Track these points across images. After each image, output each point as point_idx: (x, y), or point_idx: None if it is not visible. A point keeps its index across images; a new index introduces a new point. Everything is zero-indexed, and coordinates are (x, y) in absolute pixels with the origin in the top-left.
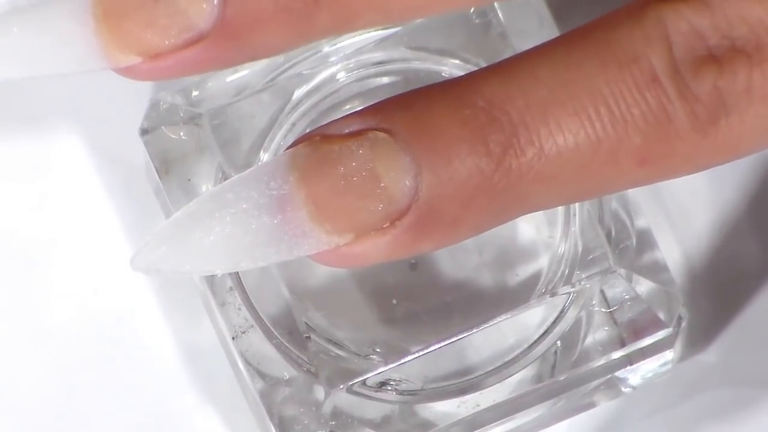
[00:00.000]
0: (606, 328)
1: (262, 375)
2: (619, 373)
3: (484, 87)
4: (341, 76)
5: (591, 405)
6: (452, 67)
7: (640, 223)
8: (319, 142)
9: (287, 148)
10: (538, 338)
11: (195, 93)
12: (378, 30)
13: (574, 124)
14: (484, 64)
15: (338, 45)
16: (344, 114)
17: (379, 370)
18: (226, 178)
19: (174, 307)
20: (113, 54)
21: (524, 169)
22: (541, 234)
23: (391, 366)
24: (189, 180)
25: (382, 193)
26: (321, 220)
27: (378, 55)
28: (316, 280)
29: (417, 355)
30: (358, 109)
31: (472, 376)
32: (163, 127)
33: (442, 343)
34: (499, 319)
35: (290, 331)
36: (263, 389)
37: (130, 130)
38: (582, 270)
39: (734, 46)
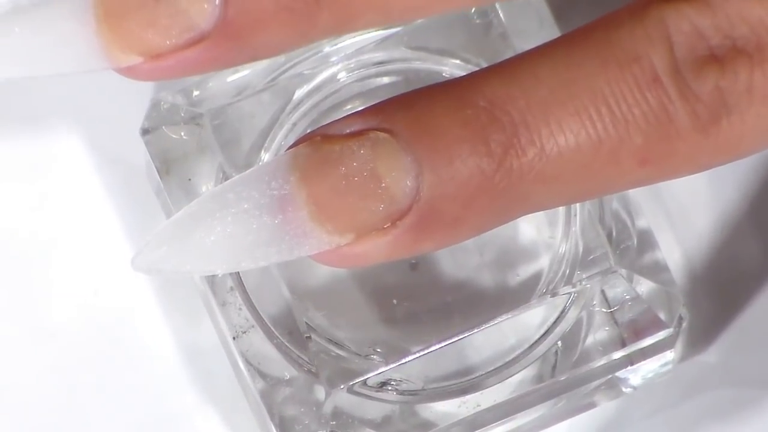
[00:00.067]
0: (607, 329)
1: (262, 375)
2: (619, 374)
3: (485, 87)
4: (342, 76)
5: (592, 405)
6: (453, 67)
7: (641, 223)
8: (320, 142)
9: (288, 148)
10: (539, 338)
11: (196, 93)
12: (379, 30)
13: (575, 124)
14: (484, 65)
15: (339, 45)
16: (345, 114)
17: (380, 370)
18: (226, 178)
19: (174, 307)
20: (114, 54)
21: (525, 169)
22: (541, 234)
23: (391, 366)
24: (190, 180)
25: (384, 193)
26: (322, 220)
27: (379, 55)
28: (317, 280)
29: (418, 355)
30: (359, 109)
31: (473, 376)
32: (163, 127)
33: (443, 343)
34: (499, 319)
35: (291, 331)
36: (264, 389)
37: (131, 130)
38: (583, 270)
39: (735, 46)
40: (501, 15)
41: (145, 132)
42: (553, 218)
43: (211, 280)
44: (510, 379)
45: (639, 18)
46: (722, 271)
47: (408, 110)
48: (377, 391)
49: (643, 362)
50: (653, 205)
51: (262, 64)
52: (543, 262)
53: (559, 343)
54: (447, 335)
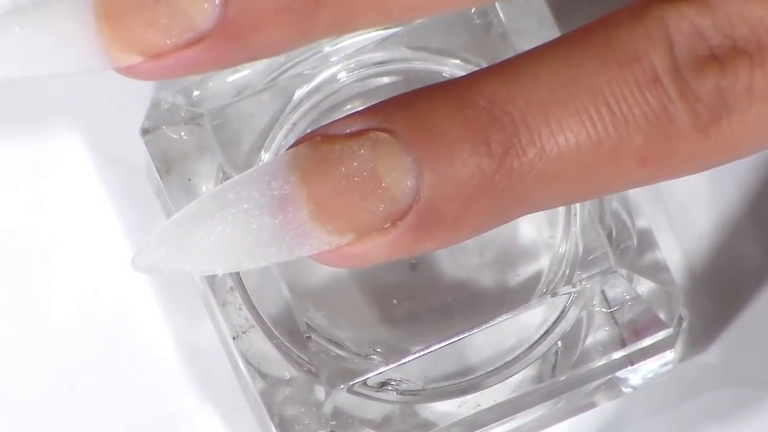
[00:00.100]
0: (607, 329)
1: (262, 375)
2: (619, 374)
3: (485, 87)
4: (342, 76)
5: (592, 405)
6: (453, 68)
7: (641, 223)
8: (321, 142)
9: (288, 148)
10: (539, 338)
11: (196, 93)
12: (379, 30)
13: (576, 124)
14: (484, 65)
15: (339, 45)
16: (345, 114)
17: (380, 370)
18: (226, 178)
19: (174, 307)
20: (114, 53)
21: (525, 169)
22: (541, 234)
23: (391, 366)
24: (190, 180)
25: (384, 193)
26: (322, 220)
27: (379, 55)
28: (317, 280)
29: (418, 355)
30: (359, 109)
31: (473, 376)
32: (164, 127)
33: (443, 343)
34: (499, 319)
35: (291, 331)
36: (264, 389)
37: (131, 130)
38: (583, 270)
39: (736, 46)
40: (501, 15)
41: (145, 132)
42: (553, 218)
43: (211, 280)
44: (510, 379)
45: (639, 18)
46: (722, 271)
47: (408, 110)
48: (377, 391)
49: (643, 362)
50: (653, 205)
51: (262, 64)
52: (543, 262)
53: (559, 343)
54: (447, 335)
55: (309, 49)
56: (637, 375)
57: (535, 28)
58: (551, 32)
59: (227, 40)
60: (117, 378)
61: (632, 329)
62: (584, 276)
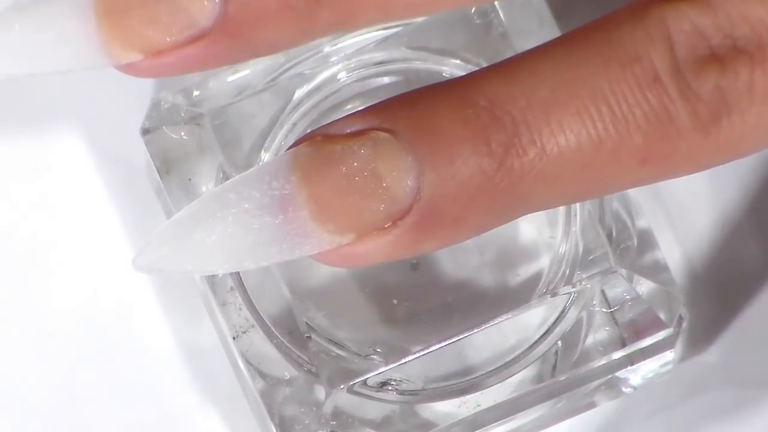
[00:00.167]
0: (607, 329)
1: (262, 375)
2: (619, 374)
3: (486, 86)
4: (342, 76)
5: (592, 405)
6: (453, 67)
7: (641, 223)
8: (321, 142)
9: (289, 148)
10: (539, 338)
11: (196, 93)
12: (379, 30)
13: (576, 124)
14: (485, 64)
15: (339, 45)
16: (346, 114)
17: (380, 370)
18: (226, 178)
19: (174, 307)
20: (115, 51)
21: (526, 169)
22: (542, 234)
23: (391, 366)
24: (190, 180)
25: (384, 193)
26: (323, 219)
27: (379, 55)
28: (317, 280)
29: (418, 355)
30: (360, 108)
31: (473, 376)
32: (164, 127)
33: (443, 343)
34: (499, 319)
35: (291, 331)
36: (264, 389)
37: (131, 130)
38: (583, 270)
39: (736, 45)
40: (501, 15)
41: (145, 132)
42: (553, 218)
43: (212, 280)
44: (510, 379)
45: (640, 18)
46: (722, 270)
47: (409, 110)
48: (377, 391)
49: (643, 362)
50: (653, 205)
51: (262, 64)
52: (543, 262)
53: (559, 343)
54: (447, 335)
55: (309, 49)
56: (637, 375)
57: (536, 27)
58: (551, 32)
59: (227, 37)
60: (117, 378)
61: (632, 329)
62: (584, 276)
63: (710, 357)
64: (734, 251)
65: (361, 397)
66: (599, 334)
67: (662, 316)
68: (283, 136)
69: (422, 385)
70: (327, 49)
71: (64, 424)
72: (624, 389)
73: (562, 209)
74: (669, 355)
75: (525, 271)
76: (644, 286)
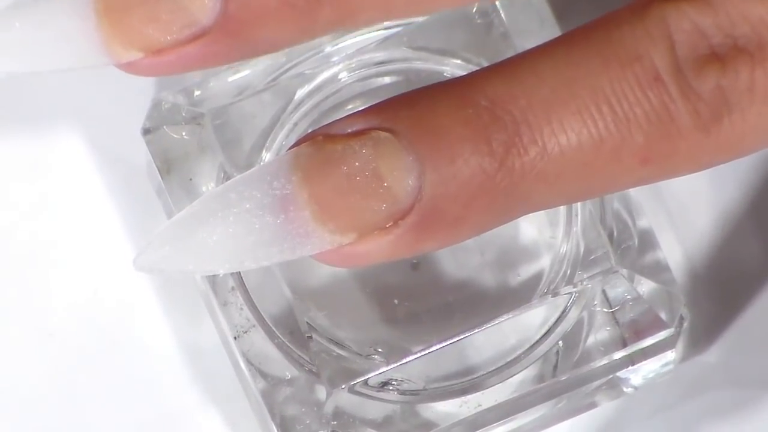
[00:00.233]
0: (608, 329)
1: (263, 375)
2: (620, 374)
3: (486, 86)
4: (343, 75)
5: (592, 405)
6: (454, 67)
7: (642, 223)
8: (322, 142)
9: (290, 148)
10: (540, 338)
11: (197, 93)
12: (380, 30)
13: (577, 123)
14: (485, 64)
15: (340, 45)
16: (346, 114)
17: (381, 370)
18: (227, 178)
19: (175, 307)
20: (115, 49)
21: (527, 168)
22: (543, 234)
23: (392, 366)
24: (191, 180)
25: (385, 192)
26: (324, 219)
27: (380, 55)
28: (318, 280)
29: (419, 355)
30: (361, 108)
31: (474, 376)
32: (165, 127)
33: (444, 343)
34: (500, 319)
35: (292, 331)
36: (265, 389)
37: (132, 130)
38: (584, 270)
39: (736, 44)
40: (502, 14)
41: (146, 132)
42: (554, 218)
43: (213, 280)
44: (511, 379)
45: (640, 17)
46: (723, 270)
47: (410, 110)
48: (378, 391)
49: (644, 362)
50: (654, 204)
51: (263, 64)
52: (544, 262)
53: (560, 343)
54: (448, 335)
55: (310, 49)
56: (638, 375)
57: (536, 27)
58: (552, 32)
59: (228, 35)
60: (117, 378)
61: (633, 329)
62: (585, 276)
63: (711, 357)
64: (735, 251)
65: (362, 397)
66: (600, 334)
67: (663, 316)
68: (284, 136)
69: (423, 385)
70: (328, 48)
71: (64, 424)
72: (625, 389)
73: (563, 209)
74: (670, 355)
75: (526, 271)
76: (645, 286)
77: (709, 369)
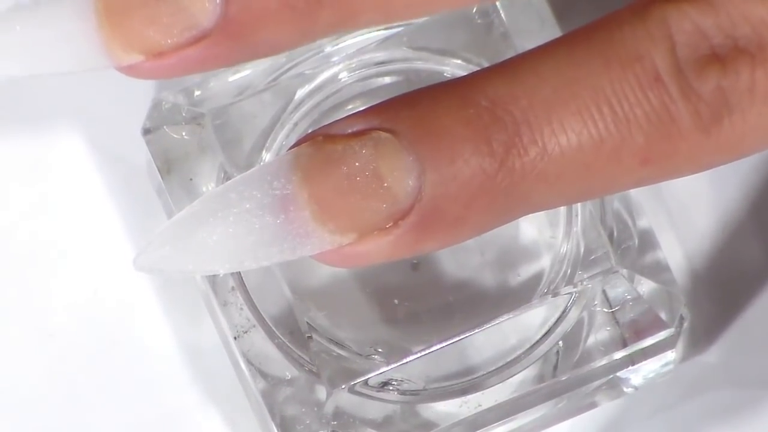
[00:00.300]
0: (608, 329)
1: (263, 375)
2: (620, 374)
3: (487, 86)
4: (343, 76)
5: (593, 405)
6: (454, 68)
7: (642, 223)
8: (323, 142)
9: (290, 148)
10: (540, 338)
11: (197, 93)
12: (380, 30)
13: (577, 124)
14: (486, 64)
15: (340, 45)
16: (347, 114)
17: (381, 370)
18: (227, 178)
19: (175, 307)
20: (116, 52)
21: (527, 169)
22: (543, 234)
23: (392, 366)
24: (191, 180)
25: (386, 192)
26: (324, 219)
27: (380, 55)
28: (318, 280)
29: (419, 355)
30: (361, 108)
31: (474, 376)
32: (165, 127)
33: (444, 343)
34: (500, 319)
35: (292, 331)
36: (265, 389)
37: (132, 130)
38: (584, 270)
39: (737, 45)
40: (502, 15)
41: (146, 132)
42: (554, 218)
43: (213, 280)
44: (511, 379)
45: (641, 17)
46: (723, 270)
47: (410, 110)
48: (378, 391)
49: (644, 362)
50: (654, 204)
51: (263, 64)
52: (544, 262)
53: (561, 343)
54: (448, 335)
55: (310, 49)
56: (638, 375)
57: (537, 27)
58: (552, 32)
59: (228, 38)
60: (117, 378)
61: (633, 329)
62: (585, 276)
63: (711, 357)
64: (735, 251)
65: (362, 397)
66: (600, 334)
67: (663, 316)
68: (284, 136)
69: (423, 385)
70: (328, 49)
71: (64, 424)
72: (625, 389)
73: (563, 209)
74: (670, 355)
75: (526, 271)
76: (645, 286)
77: (709, 369)
